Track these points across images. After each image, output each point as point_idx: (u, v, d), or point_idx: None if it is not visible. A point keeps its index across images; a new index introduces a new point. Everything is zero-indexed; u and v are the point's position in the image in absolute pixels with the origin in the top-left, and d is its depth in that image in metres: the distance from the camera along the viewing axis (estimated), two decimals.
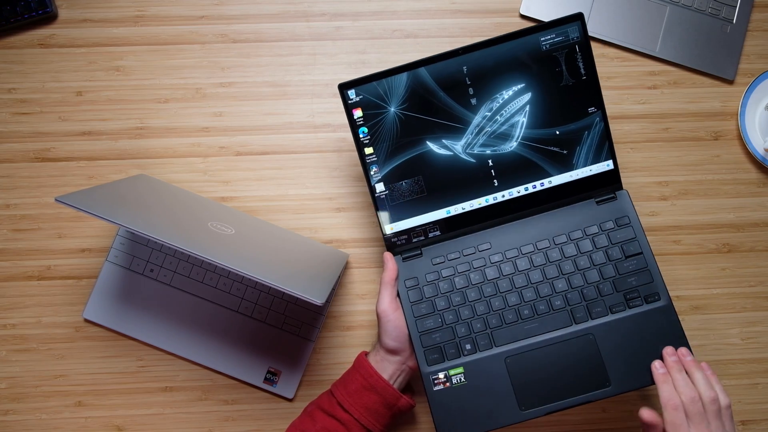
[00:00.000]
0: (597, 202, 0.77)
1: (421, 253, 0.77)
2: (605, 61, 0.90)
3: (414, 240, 0.77)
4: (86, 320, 0.83)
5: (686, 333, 0.85)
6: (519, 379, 0.72)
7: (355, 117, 0.74)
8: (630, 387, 0.71)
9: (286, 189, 0.86)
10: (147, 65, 0.87)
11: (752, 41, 0.90)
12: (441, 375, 0.73)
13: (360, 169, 0.87)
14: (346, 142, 0.87)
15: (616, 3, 0.90)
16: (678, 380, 0.67)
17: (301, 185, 0.87)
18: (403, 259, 0.77)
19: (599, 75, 0.89)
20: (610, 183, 0.78)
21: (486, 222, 0.77)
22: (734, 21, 0.90)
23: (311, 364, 0.83)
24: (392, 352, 0.74)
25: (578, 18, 0.74)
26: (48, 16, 0.87)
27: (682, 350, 0.70)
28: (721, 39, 0.90)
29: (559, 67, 0.75)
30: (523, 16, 0.90)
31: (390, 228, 0.77)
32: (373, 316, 0.85)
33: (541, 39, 0.73)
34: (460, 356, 0.73)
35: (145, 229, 0.64)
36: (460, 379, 0.73)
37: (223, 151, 0.87)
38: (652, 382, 0.70)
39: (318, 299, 0.63)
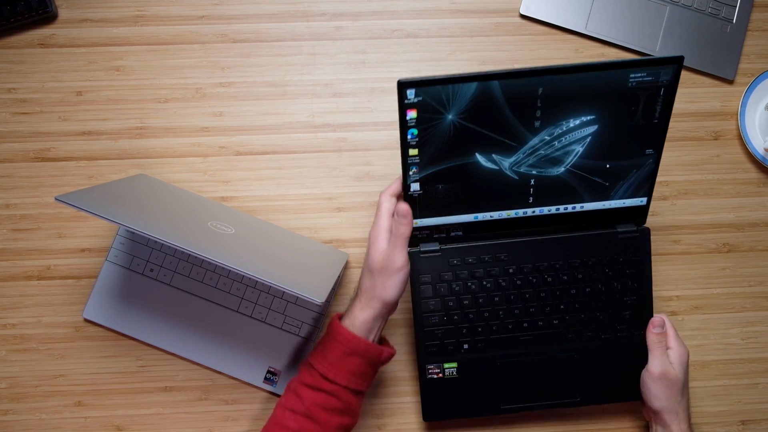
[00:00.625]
0: (619, 236, 0.78)
1: (439, 251, 0.78)
2: None
3: (435, 236, 0.78)
4: (86, 320, 0.83)
5: (686, 333, 0.86)
6: (505, 381, 0.78)
7: (408, 118, 0.68)
8: (595, 402, 0.79)
9: (286, 189, 0.86)
10: (147, 65, 0.88)
11: (752, 41, 0.91)
12: (435, 366, 0.78)
13: (360, 168, 0.87)
14: (346, 142, 0.87)
15: (616, 3, 0.90)
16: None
17: (301, 185, 0.87)
18: (421, 254, 0.77)
19: None
20: (636, 216, 0.78)
21: (507, 231, 0.78)
22: (734, 21, 0.90)
23: None
24: (393, 306, 0.72)
25: (677, 61, 0.68)
26: (48, 16, 0.87)
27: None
28: (721, 39, 0.90)
29: (636, 107, 0.70)
30: (523, 16, 0.90)
31: (415, 223, 0.76)
32: None
33: (631, 75, 0.68)
34: (457, 353, 0.78)
35: (145, 228, 0.64)
36: (453, 373, 0.78)
37: (223, 151, 0.87)
38: (613, 401, 0.79)
39: (318, 298, 0.63)
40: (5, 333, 0.83)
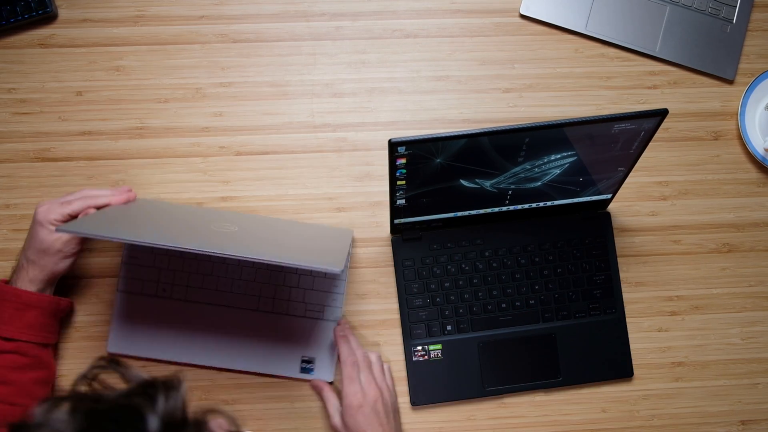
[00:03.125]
0: (582, 219, 0.85)
1: (420, 237, 0.84)
2: (605, 61, 0.90)
3: (417, 227, 0.83)
4: (111, 354, 0.81)
5: (686, 333, 0.86)
6: (487, 362, 0.82)
7: (398, 164, 0.70)
8: (576, 381, 0.83)
9: (286, 189, 0.86)
10: (147, 65, 0.88)
11: (752, 41, 0.91)
12: (421, 348, 0.82)
13: (360, 168, 0.87)
14: (347, 142, 0.87)
15: (616, 3, 0.90)
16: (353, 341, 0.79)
17: (301, 185, 0.87)
18: (404, 240, 0.84)
19: (599, 75, 0.90)
20: (600, 206, 0.85)
21: (483, 223, 0.85)
22: (734, 21, 0.90)
23: None
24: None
25: (662, 114, 0.68)
26: (48, 16, 0.87)
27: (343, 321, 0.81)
28: (721, 39, 0.90)
29: (615, 144, 0.72)
30: (523, 16, 0.90)
31: (399, 221, 0.81)
32: (375, 316, 0.84)
33: (616, 125, 0.69)
34: (440, 335, 0.83)
35: (150, 239, 0.64)
36: (437, 354, 0.82)
37: (223, 151, 0.87)
38: (594, 380, 0.83)
39: (336, 267, 0.63)
40: None
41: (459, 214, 0.82)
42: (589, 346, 0.83)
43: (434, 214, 0.81)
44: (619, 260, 0.86)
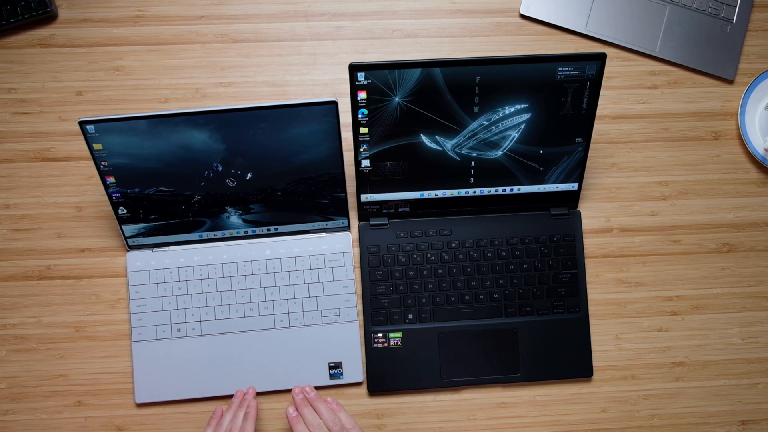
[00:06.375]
0: (552, 216, 0.85)
1: (387, 224, 0.84)
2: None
3: (384, 211, 0.84)
4: (140, 405, 0.82)
5: (686, 333, 0.86)
6: (447, 353, 0.82)
7: (358, 98, 0.74)
8: (535, 378, 0.82)
9: None
10: (147, 65, 0.88)
11: (752, 41, 0.91)
12: (381, 335, 0.82)
13: None
14: (346, 142, 0.87)
15: (616, 3, 0.90)
16: (306, 415, 0.74)
17: None
18: (371, 226, 0.84)
19: None
20: (569, 200, 0.85)
21: (451, 209, 0.84)
22: (734, 21, 0.90)
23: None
24: None
25: (600, 58, 0.75)
26: (48, 16, 0.87)
27: (306, 388, 0.77)
28: (721, 39, 0.90)
29: (565, 98, 0.77)
30: (523, 16, 0.90)
31: (366, 197, 0.82)
32: None
33: (559, 68, 0.74)
34: (401, 323, 0.83)
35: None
36: (397, 342, 0.82)
37: None
38: (552, 378, 0.82)
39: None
40: (5, 333, 0.83)
41: (425, 194, 0.82)
42: (550, 343, 0.83)
43: (400, 190, 0.81)
44: (619, 260, 0.86)
